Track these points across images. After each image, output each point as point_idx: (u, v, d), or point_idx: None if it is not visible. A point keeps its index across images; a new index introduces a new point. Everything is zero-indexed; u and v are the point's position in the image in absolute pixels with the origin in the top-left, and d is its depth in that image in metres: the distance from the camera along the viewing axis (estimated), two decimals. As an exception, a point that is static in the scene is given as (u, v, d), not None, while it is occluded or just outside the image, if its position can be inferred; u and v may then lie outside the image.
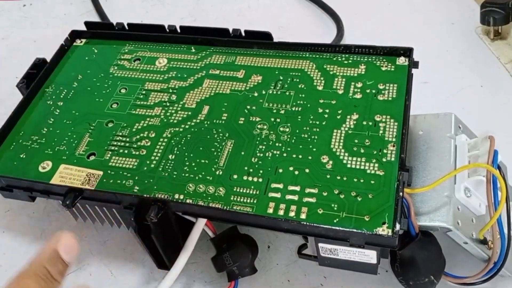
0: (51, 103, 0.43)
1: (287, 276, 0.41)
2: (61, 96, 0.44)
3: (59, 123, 0.42)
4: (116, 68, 0.45)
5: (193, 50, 0.45)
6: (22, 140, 0.41)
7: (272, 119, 0.39)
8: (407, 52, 0.40)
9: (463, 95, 0.48)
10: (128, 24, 0.47)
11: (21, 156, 0.40)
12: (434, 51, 0.51)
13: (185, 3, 0.63)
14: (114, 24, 0.47)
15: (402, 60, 0.40)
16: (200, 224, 0.37)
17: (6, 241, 0.44)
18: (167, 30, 0.46)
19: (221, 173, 0.37)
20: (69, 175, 0.38)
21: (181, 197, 0.36)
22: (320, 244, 0.34)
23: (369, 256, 0.34)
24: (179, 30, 0.46)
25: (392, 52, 0.41)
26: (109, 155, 0.39)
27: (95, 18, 0.63)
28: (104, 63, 0.45)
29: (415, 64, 0.39)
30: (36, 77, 0.44)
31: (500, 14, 0.48)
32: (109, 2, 0.64)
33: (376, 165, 0.35)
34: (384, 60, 0.41)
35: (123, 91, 0.43)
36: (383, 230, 0.32)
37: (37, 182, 0.38)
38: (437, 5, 0.55)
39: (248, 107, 0.40)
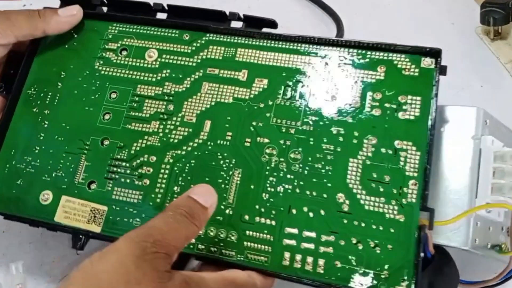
0: (37, 110, 0.39)
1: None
2: (47, 102, 0.39)
3: (51, 140, 0.38)
4: (101, 62, 0.39)
5: (186, 38, 0.39)
6: (16, 162, 0.38)
7: (281, 142, 0.35)
8: (434, 53, 0.35)
9: (463, 95, 0.47)
10: (108, 0, 0.40)
11: (18, 182, 0.38)
12: (434, 51, 0.47)
13: (185, 3, 0.55)
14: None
15: (427, 62, 0.35)
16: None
17: (6, 241, 0.45)
18: (153, 8, 0.39)
19: (231, 212, 0.35)
20: (73, 210, 0.37)
21: (192, 241, 0.34)
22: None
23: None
24: (166, 8, 0.39)
25: (416, 51, 0.35)
26: (110, 186, 0.36)
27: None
28: (87, 55, 0.40)
29: (442, 70, 0.34)
30: (15, 78, 0.40)
31: (500, 14, 0.47)
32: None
33: (396, 207, 0.33)
34: (407, 60, 0.35)
35: (113, 96, 0.39)
36: (402, 290, 0.31)
37: (41, 222, 0.37)
38: (437, 5, 0.53)
39: (254, 123, 0.36)
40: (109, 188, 0.36)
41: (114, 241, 0.35)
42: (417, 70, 0.35)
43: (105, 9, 0.42)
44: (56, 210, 0.37)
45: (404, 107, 0.34)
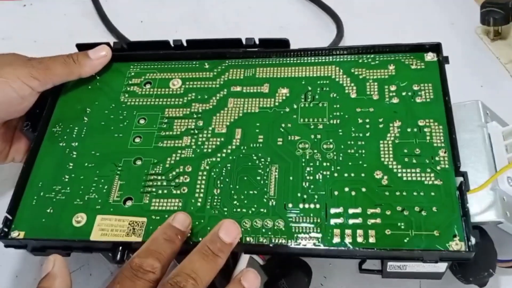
0: (64, 144, 0.40)
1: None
2: (73, 136, 0.40)
3: (81, 168, 0.39)
4: (127, 95, 0.42)
5: (207, 66, 0.42)
6: (44, 192, 0.38)
7: (312, 136, 0.38)
8: (434, 47, 0.40)
9: (463, 95, 0.46)
10: (128, 44, 0.43)
11: (48, 211, 0.37)
12: (434, 51, 0.51)
13: (185, 3, 0.61)
14: (112, 44, 0.43)
15: (430, 56, 0.40)
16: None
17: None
18: (172, 46, 0.43)
19: (274, 203, 0.35)
20: (109, 227, 0.36)
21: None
22: (389, 263, 0.34)
23: (439, 267, 0.34)
24: (185, 44, 0.43)
25: (418, 49, 0.40)
26: (148, 198, 0.36)
27: (95, 18, 0.61)
28: (112, 92, 0.42)
29: (445, 60, 0.39)
30: (40, 117, 0.41)
31: (500, 14, 0.48)
32: (109, 2, 0.61)
33: (432, 174, 0.35)
34: (412, 57, 0.40)
35: (142, 121, 0.40)
36: (457, 245, 0.32)
37: (75, 241, 0.36)
38: (437, 5, 0.54)
39: (283, 125, 0.38)
40: (147, 201, 0.36)
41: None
42: (422, 63, 0.39)
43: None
44: (91, 230, 0.36)
45: (419, 93, 0.38)
